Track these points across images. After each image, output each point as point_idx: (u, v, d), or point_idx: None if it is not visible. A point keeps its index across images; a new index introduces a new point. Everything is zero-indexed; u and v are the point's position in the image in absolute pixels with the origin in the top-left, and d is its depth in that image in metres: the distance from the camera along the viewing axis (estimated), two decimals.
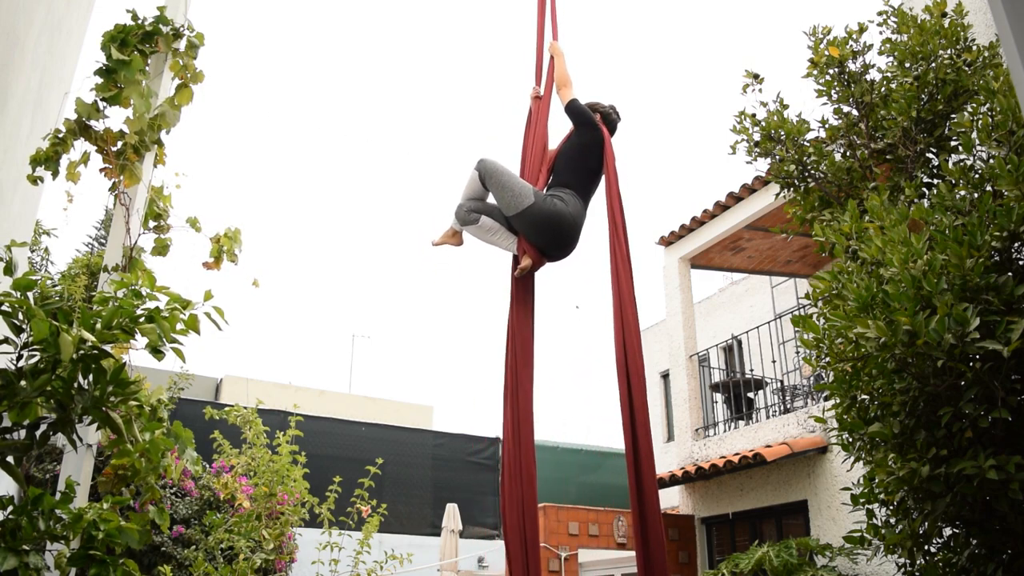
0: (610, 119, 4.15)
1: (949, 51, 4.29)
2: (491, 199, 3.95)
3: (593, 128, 4.00)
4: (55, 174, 3.48)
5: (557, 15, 4.44)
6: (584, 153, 3.95)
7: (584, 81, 4.29)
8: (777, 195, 5.16)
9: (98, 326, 2.30)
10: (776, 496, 7.99)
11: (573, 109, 4.03)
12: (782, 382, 9.63)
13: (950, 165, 3.85)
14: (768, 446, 7.87)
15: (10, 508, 2.29)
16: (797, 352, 8.29)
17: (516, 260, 3.95)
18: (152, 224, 3.70)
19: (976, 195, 3.31)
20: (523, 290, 3.93)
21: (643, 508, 3.30)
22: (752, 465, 7.79)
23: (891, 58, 4.52)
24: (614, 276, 3.74)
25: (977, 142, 3.58)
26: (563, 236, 3.80)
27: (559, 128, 4.24)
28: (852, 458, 3.44)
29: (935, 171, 4.32)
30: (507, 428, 3.71)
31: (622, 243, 3.81)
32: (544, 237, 3.78)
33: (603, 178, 4.00)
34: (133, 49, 3.48)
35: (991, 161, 3.38)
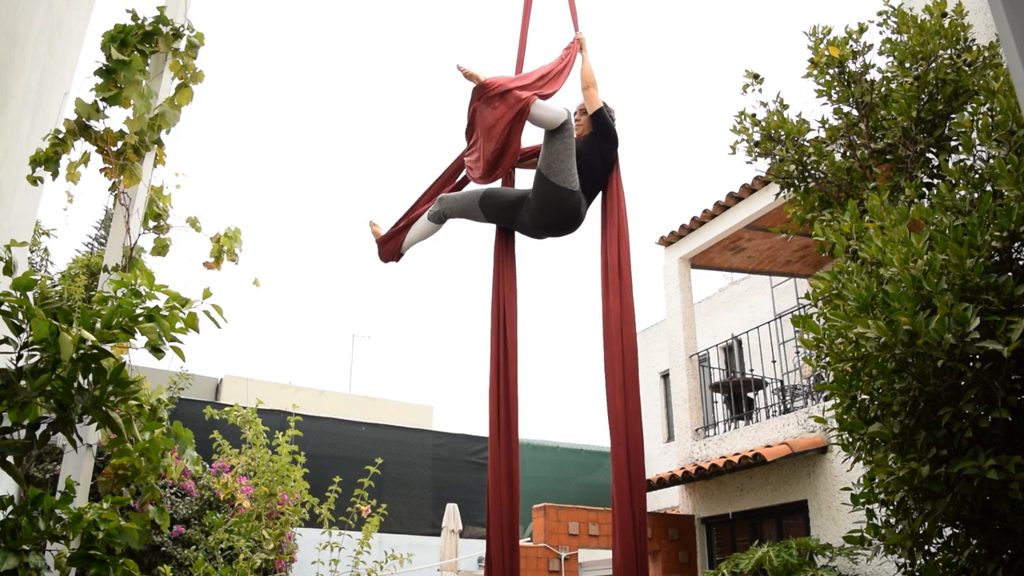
0: (613, 120, 4.11)
1: (949, 51, 4.29)
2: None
3: (615, 146, 3.96)
4: (55, 174, 3.48)
5: (576, 5, 4.32)
6: (603, 170, 3.91)
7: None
8: (777, 195, 5.16)
9: (98, 326, 2.30)
10: (776, 496, 7.99)
11: (604, 120, 3.96)
12: (782, 382, 9.63)
13: (950, 165, 3.85)
14: (768, 446, 7.87)
15: (10, 508, 2.29)
16: (797, 352, 8.29)
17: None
18: (152, 224, 3.71)
19: (976, 195, 3.30)
20: (508, 286, 4.00)
21: (633, 507, 3.31)
22: (752, 465, 7.79)
23: (891, 58, 4.51)
24: (615, 300, 3.71)
25: (977, 142, 3.57)
26: (563, 231, 3.85)
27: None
28: (852, 458, 3.44)
29: (935, 171, 4.32)
30: (493, 426, 3.76)
31: (626, 277, 3.77)
32: (555, 221, 3.83)
33: (608, 200, 3.97)
34: (133, 49, 3.48)
35: (991, 161, 3.38)
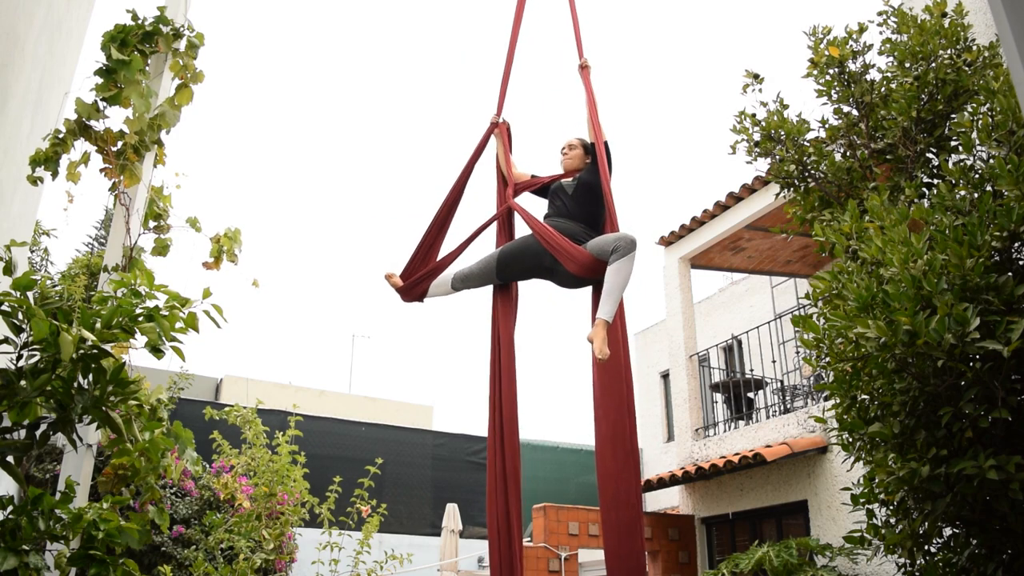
0: None
1: (949, 51, 4.29)
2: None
3: (611, 172, 3.99)
4: (55, 174, 3.48)
5: (579, 21, 4.25)
6: (605, 202, 3.92)
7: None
8: (777, 195, 5.16)
9: (98, 325, 2.30)
10: (776, 496, 7.99)
11: (609, 151, 4.00)
12: (782, 382, 9.63)
13: (950, 165, 3.85)
14: (768, 446, 7.87)
15: (10, 508, 2.29)
16: (797, 352, 8.29)
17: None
18: (152, 224, 3.71)
19: (976, 195, 3.31)
20: (506, 294, 4.01)
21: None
22: (752, 465, 7.79)
23: (891, 58, 4.52)
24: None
25: (977, 142, 3.58)
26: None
27: (537, 148, 4.25)
28: (852, 458, 3.44)
29: (935, 171, 4.32)
30: (493, 431, 3.76)
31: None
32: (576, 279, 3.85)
33: (604, 226, 3.98)
34: (133, 49, 3.48)
35: (991, 161, 3.38)
